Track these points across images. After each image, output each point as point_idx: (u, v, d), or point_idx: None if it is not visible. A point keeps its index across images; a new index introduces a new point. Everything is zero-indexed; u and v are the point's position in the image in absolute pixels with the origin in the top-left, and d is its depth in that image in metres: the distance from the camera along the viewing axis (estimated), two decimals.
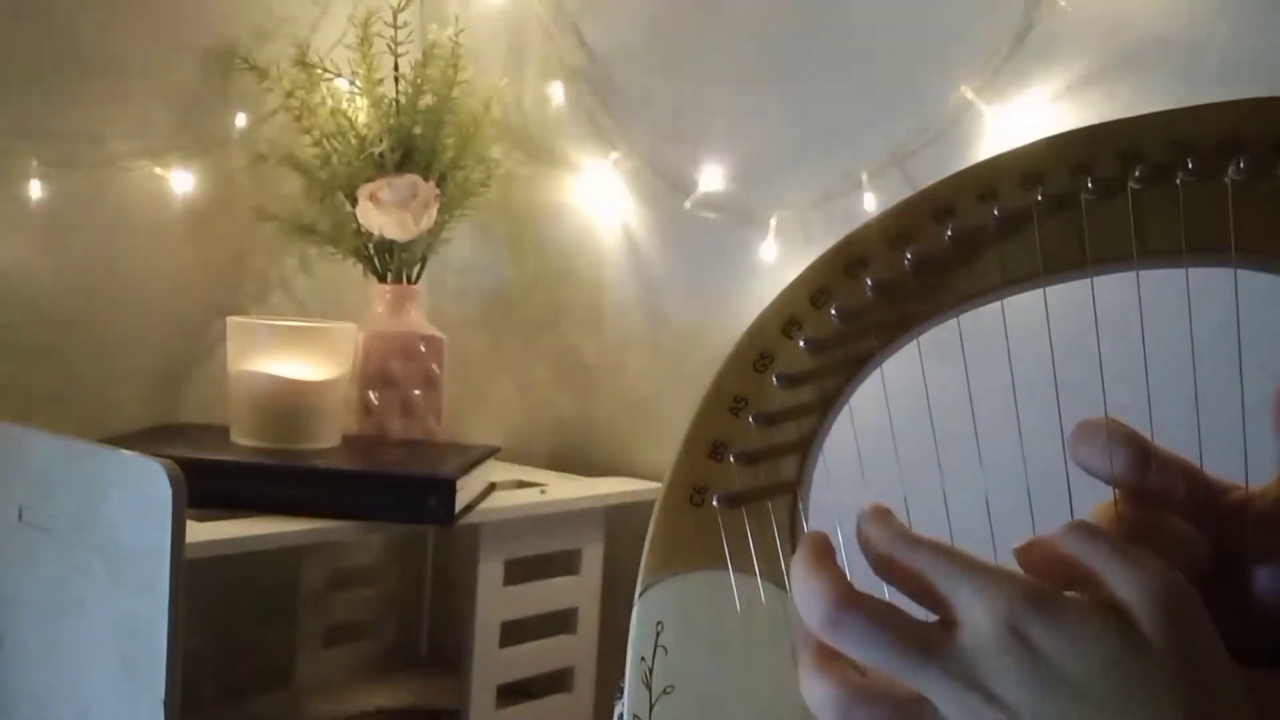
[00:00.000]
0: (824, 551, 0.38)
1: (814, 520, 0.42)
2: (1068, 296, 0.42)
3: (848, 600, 0.36)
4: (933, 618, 0.36)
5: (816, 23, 1.11)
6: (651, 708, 0.41)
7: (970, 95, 0.99)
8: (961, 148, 0.99)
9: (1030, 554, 0.37)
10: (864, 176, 1.05)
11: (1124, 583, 0.34)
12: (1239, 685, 0.34)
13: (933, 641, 0.35)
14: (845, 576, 0.37)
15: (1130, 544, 0.35)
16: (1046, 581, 0.35)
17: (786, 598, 0.40)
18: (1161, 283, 0.41)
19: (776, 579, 0.40)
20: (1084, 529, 0.36)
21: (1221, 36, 0.88)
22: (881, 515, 0.39)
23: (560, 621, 1.15)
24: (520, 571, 1.09)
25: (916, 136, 1.02)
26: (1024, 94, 0.97)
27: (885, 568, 0.38)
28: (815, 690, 0.36)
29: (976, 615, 0.34)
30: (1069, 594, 0.34)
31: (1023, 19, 0.96)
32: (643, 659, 0.41)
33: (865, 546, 0.38)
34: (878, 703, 0.35)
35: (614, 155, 1.24)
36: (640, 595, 0.42)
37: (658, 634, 0.41)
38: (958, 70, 1.00)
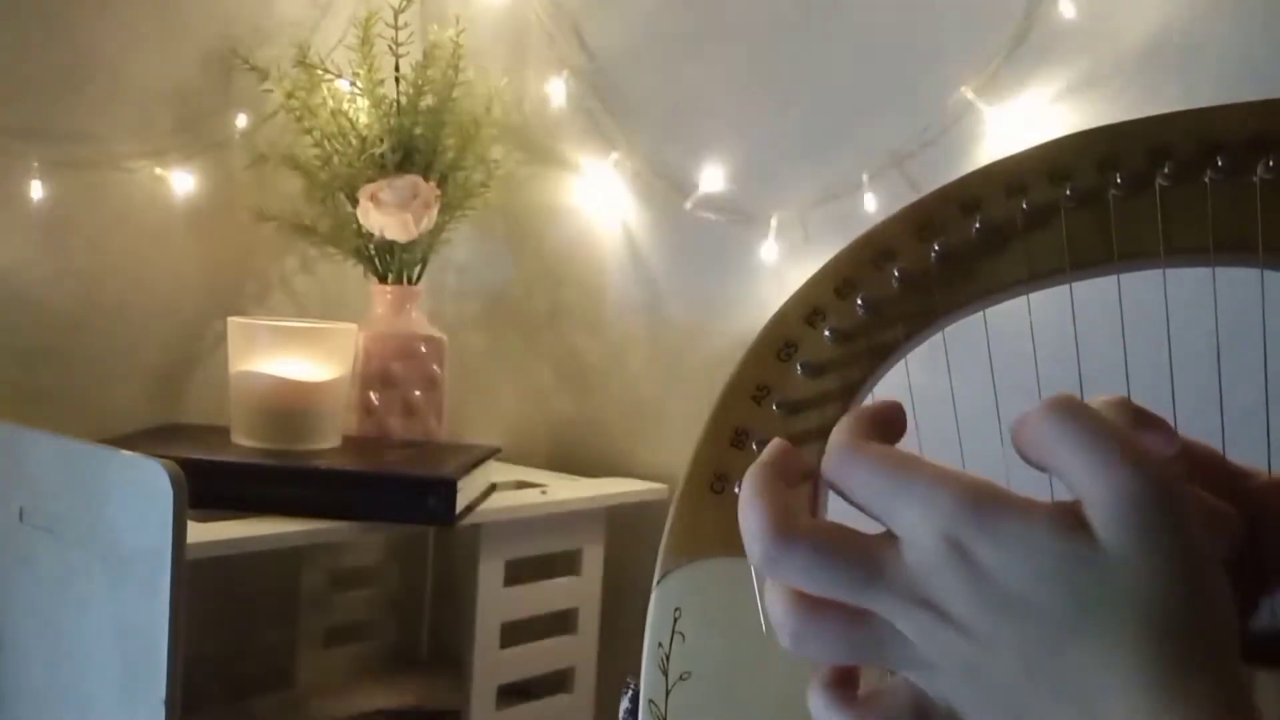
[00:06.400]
0: (770, 475, 0.34)
1: (835, 509, 0.42)
2: (1084, 293, 0.43)
3: (784, 532, 0.32)
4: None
5: (817, 23, 1.11)
6: (668, 693, 0.41)
7: (970, 96, 0.99)
8: (962, 148, 0.99)
9: (1019, 438, 0.32)
10: (864, 177, 1.05)
11: (1086, 475, 0.29)
12: (1231, 612, 0.29)
13: (878, 560, 0.31)
14: (784, 504, 0.33)
15: (1121, 430, 0.30)
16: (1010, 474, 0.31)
17: None
18: (1167, 280, 0.41)
19: None
20: (1059, 407, 0.31)
21: (1221, 37, 0.88)
22: (860, 420, 0.35)
23: (560, 622, 1.14)
24: (521, 572, 1.09)
25: (917, 137, 1.03)
26: (1024, 94, 0.97)
27: (834, 478, 0.34)
28: (771, 609, 0.33)
29: (915, 527, 0.31)
30: (1014, 494, 0.30)
31: (1023, 19, 0.97)
32: (660, 645, 0.41)
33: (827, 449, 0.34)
34: (829, 621, 0.32)
35: (614, 156, 1.24)
36: (658, 582, 0.42)
37: (675, 620, 0.41)
38: (958, 71, 1.00)
